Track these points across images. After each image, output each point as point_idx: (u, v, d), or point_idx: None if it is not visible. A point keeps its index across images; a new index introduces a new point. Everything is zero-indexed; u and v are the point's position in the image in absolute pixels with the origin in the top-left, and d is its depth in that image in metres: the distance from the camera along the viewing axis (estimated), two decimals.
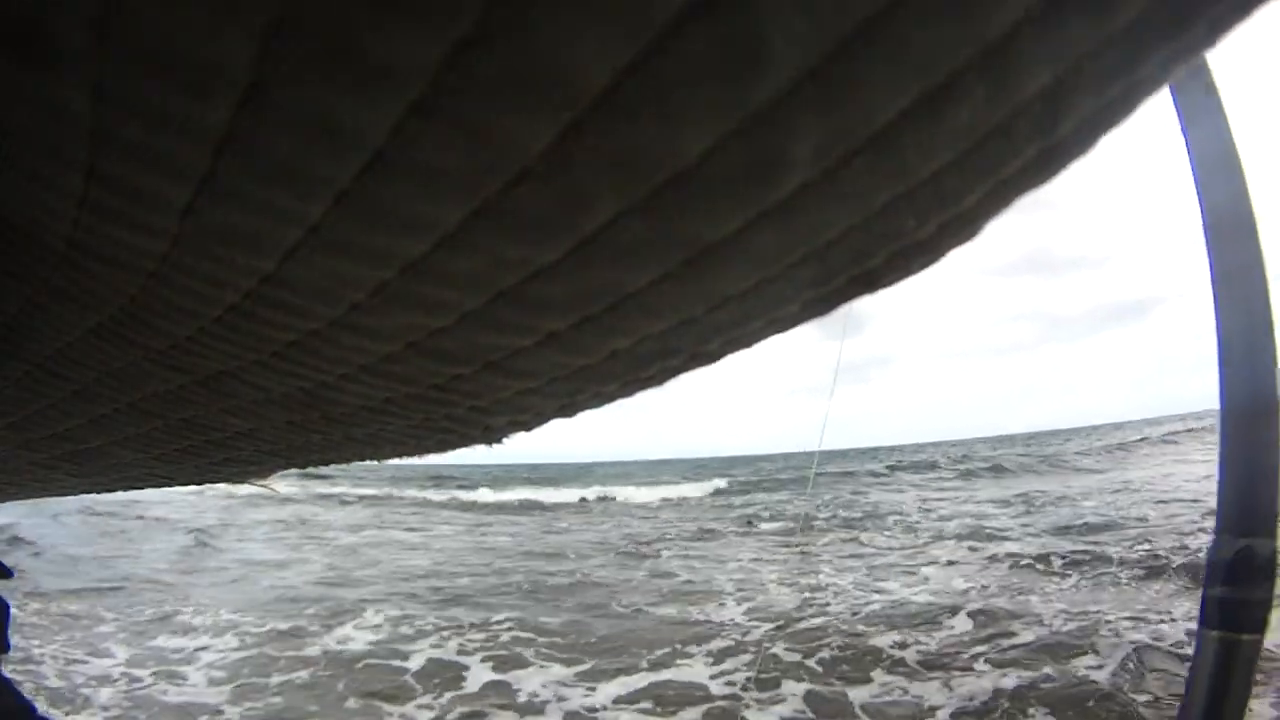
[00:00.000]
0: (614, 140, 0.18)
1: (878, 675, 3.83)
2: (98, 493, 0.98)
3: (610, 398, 0.39)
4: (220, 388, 0.44)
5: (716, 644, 4.40)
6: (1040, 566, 5.63)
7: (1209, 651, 1.04)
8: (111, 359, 0.44)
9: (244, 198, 0.23)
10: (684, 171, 0.19)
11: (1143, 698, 3.23)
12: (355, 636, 4.73)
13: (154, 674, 4.00)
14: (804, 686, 3.73)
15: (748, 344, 0.31)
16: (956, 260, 0.25)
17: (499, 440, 0.48)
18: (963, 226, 0.23)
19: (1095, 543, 6.18)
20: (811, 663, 3.99)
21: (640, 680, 3.92)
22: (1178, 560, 5.14)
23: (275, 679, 3.97)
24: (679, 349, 0.31)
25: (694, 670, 4.03)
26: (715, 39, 0.15)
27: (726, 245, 0.22)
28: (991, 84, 0.17)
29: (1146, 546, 5.77)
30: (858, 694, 3.63)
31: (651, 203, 0.20)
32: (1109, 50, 0.17)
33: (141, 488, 0.88)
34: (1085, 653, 3.76)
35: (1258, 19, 0.18)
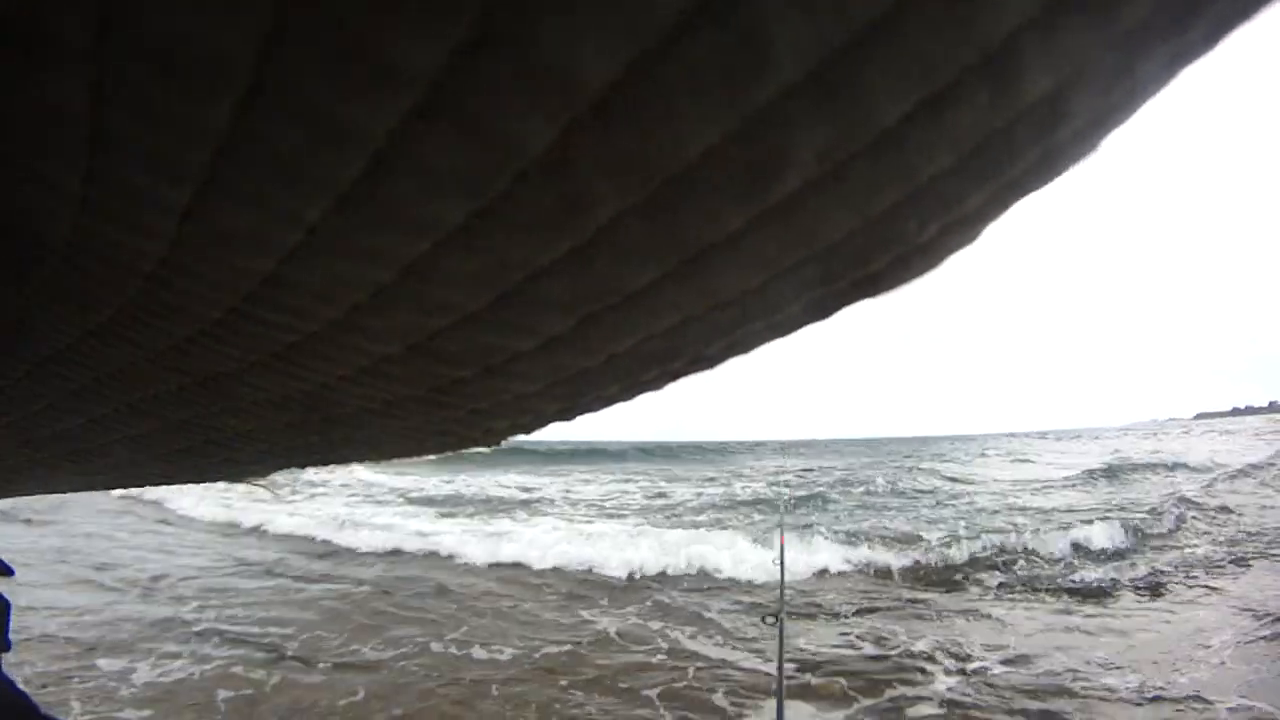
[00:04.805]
0: (615, 141, 0.18)
1: None
2: (98, 490, 0.98)
3: (611, 400, 0.38)
4: (220, 389, 0.44)
5: None
6: None
7: None
8: (111, 359, 0.43)
9: (244, 199, 0.23)
10: (685, 172, 0.19)
11: None
12: None
13: None
14: None
15: (748, 347, 0.31)
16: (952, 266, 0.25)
17: (498, 442, 0.48)
18: (964, 229, 0.23)
19: None
20: None
21: None
22: None
23: None
24: (680, 351, 0.31)
25: None
26: (718, 42, 0.15)
27: (727, 246, 0.22)
28: (993, 88, 0.17)
29: None
30: None
31: (653, 203, 0.20)
32: (1110, 54, 0.17)
33: (142, 486, 0.88)
34: None
35: (1258, 22, 0.18)
